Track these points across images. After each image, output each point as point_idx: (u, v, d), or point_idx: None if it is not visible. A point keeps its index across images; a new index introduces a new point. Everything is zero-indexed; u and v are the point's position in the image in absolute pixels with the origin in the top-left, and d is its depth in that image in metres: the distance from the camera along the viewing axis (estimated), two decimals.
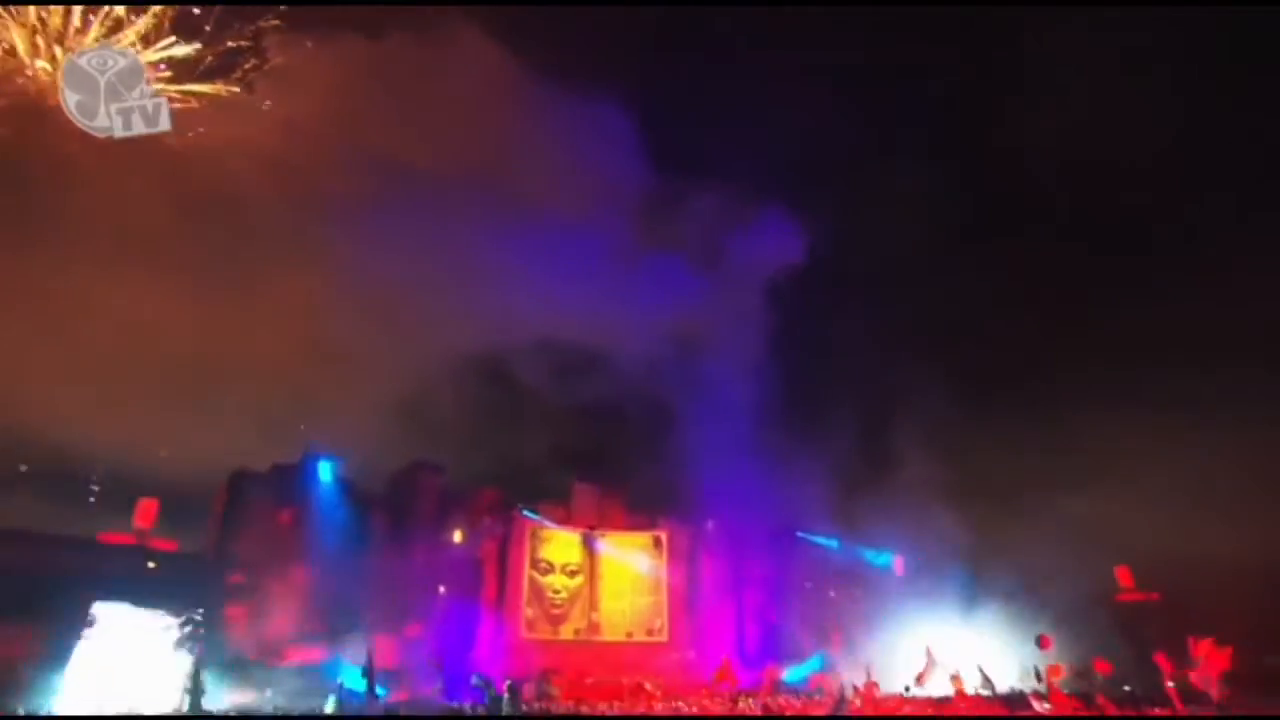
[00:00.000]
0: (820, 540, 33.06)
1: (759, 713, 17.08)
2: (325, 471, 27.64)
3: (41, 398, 25.69)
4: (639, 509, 33.24)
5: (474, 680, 21.88)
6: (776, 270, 38.95)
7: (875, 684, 20.43)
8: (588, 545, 31.45)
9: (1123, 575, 27.94)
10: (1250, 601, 22.43)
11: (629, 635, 30.25)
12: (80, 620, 21.41)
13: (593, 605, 30.48)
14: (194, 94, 24.31)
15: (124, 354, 27.03)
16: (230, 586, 24.71)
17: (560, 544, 31.24)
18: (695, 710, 19.21)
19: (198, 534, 26.80)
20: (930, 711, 15.32)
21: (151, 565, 23.84)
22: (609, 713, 18.85)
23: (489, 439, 34.41)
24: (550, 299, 35.11)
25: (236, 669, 23.11)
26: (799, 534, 33.09)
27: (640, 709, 20.06)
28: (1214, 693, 13.20)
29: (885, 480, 31.04)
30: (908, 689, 18.55)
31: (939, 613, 28.04)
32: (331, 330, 31.57)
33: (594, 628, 30.12)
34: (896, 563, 31.78)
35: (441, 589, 28.88)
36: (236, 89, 25.93)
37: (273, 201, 30.00)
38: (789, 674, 27.67)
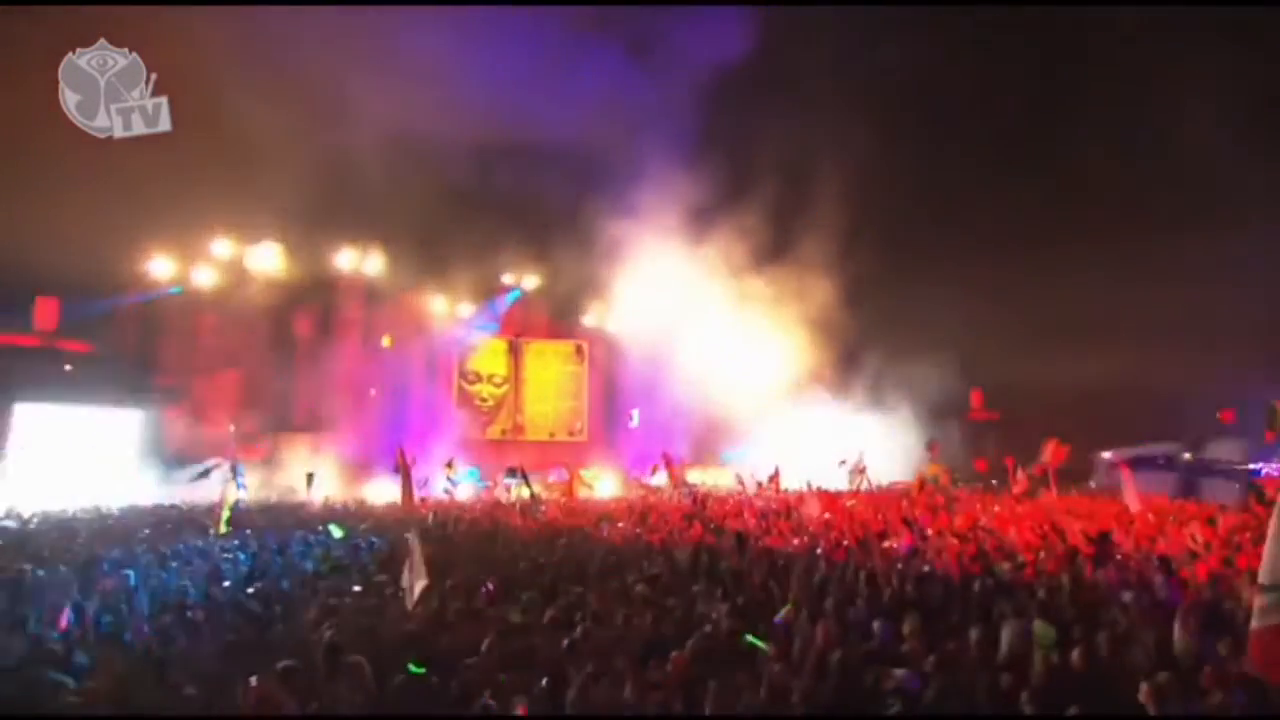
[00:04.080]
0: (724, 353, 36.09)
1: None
2: (253, 272, 26.66)
3: None
4: (561, 317, 34.68)
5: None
6: (716, 65, 37.83)
7: (778, 476, 23.87)
8: (513, 352, 32.92)
9: (975, 397, 33.27)
10: (1063, 420, 28.00)
11: (551, 435, 33.05)
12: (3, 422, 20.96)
13: (518, 408, 32.74)
14: None
15: None
16: (161, 388, 24.43)
17: (487, 354, 32.54)
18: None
19: (106, 336, 25.46)
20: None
21: (68, 368, 22.98)
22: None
23: (409, 240, 33.35)
24: (474, 83, 32.74)
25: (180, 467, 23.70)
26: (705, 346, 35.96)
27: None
28: (1053, 481, 16.88)
29: (794, 297, 33.67)
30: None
31: (827, 418, 32.21)
32: (232, 109, 28.22)
33: (519, 428, 32.62)
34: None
35: (372, 390, 29.79)
36: None
37: None
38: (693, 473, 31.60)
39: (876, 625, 5.31)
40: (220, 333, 26.14)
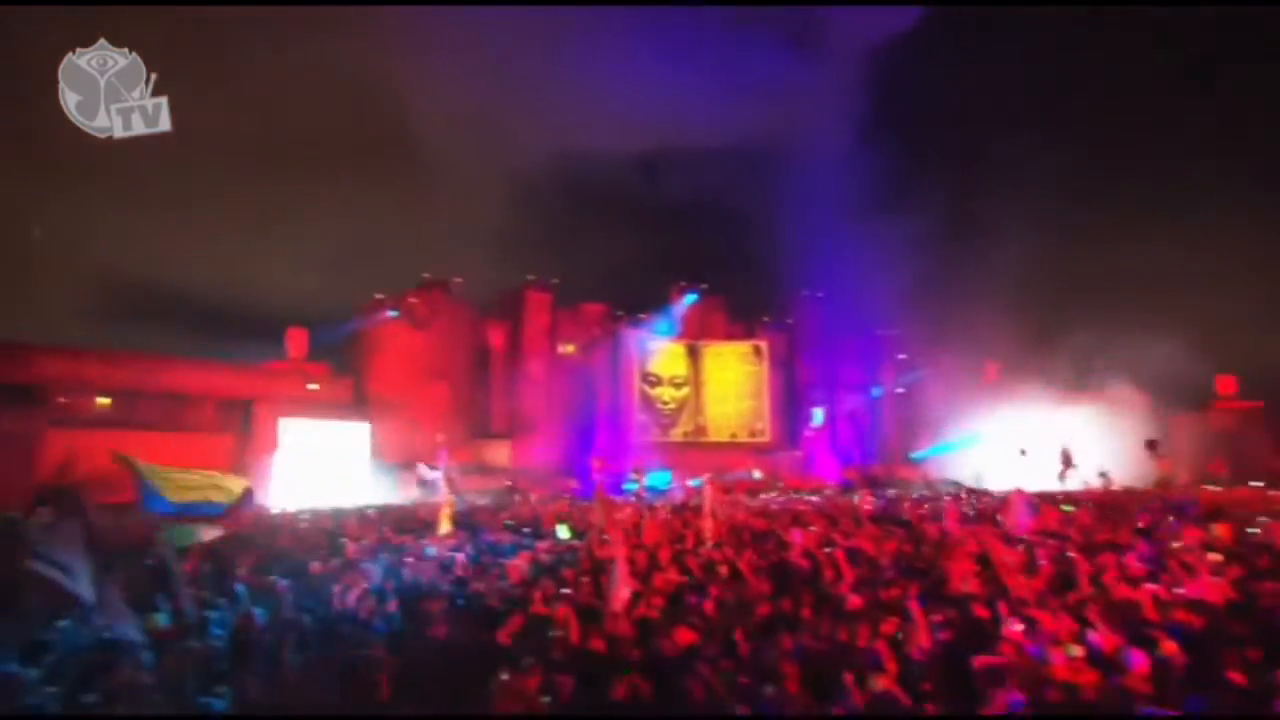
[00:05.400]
0: (913, 345, 33.98)
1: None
2: (451, 295, 29.63)
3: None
4: (738, 317, 34.70)
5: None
6: (882, 39, 35.93)
7: (979, 476, 21.98)
8: (692, 355, 33.43)
9: (1224, 384, 28.25)
10: None
11: (733, 436, 33.12)
12: (271, 434, 24.83)
13: (699, 410, 33.18)
14: None
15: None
16: (381, 402, 27.69)
17: (666, 356, 33.27)
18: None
19: (340, 358, 29.16)
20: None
21: (314, 387, 26.68)
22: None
23: (587, 251, 34.84)
24: (638, 91, 33.74)
25: (398, 472, 26.69)
26: (891, 339, 34.06)
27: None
28: None
29: (983, 275, 30.72)
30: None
31: (1033, 412, 28.98)
32: (426, 140, 31.40)
33: (701, 430, 33.04)
34: (990, 365, 32.70)
35: (560, 398, 31.60)
36: None
37: None
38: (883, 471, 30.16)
39: (1123, 653, 4.74)
40: (429, 350, 29.14)
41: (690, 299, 33.39)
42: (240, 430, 24.84)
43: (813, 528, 12.91)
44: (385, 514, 14.64)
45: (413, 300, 29.12)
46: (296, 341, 27.18)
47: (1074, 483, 17.50)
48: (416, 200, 30.98)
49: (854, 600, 6.41)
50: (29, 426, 19.99)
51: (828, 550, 9.00)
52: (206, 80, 27.77)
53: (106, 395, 22.54)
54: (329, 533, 10.77)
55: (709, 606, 6.64)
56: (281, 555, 8.61)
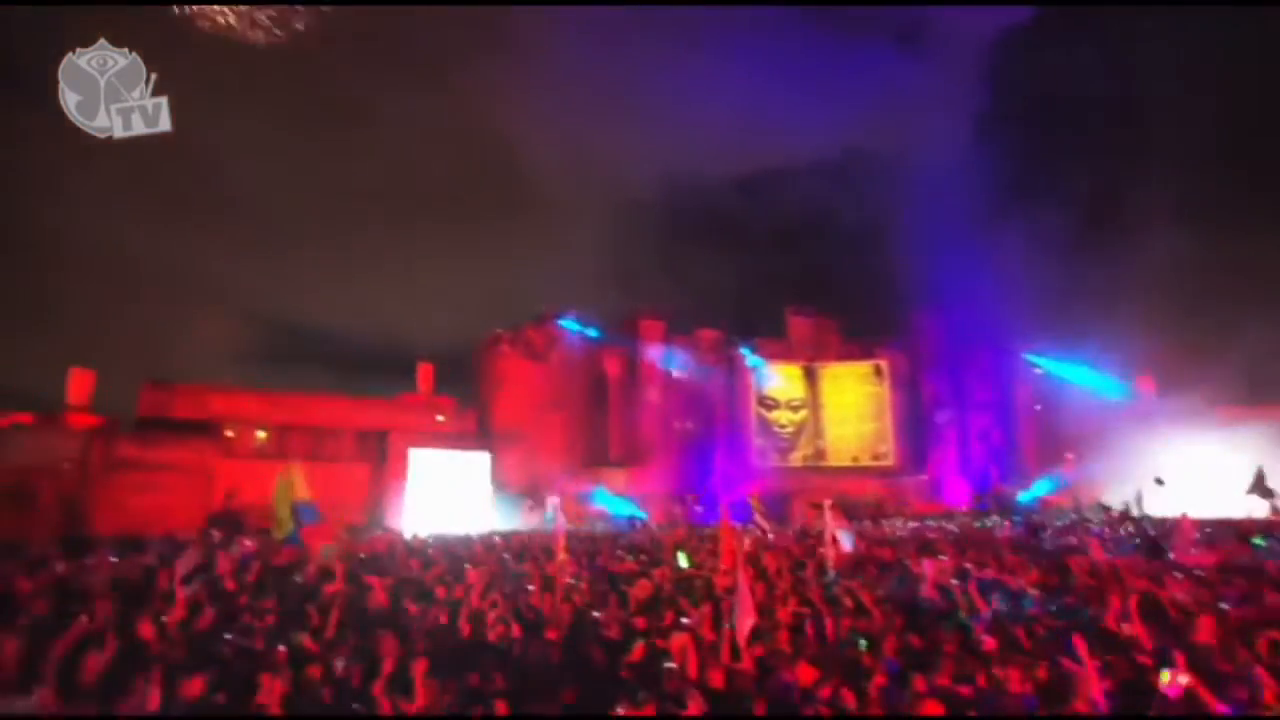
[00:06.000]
0: (1051, 360, 31.39)
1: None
2: (567, 327, 30.51)
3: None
4: (855, 337, 33.57)
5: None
6: (994, 34, 34.22)
7: (1139, 500, 19.74)
8: (809, 378, 32.57)
9: None
10: None
11: (855, 460, 31.84)
12: (403, 463, 26.38)
13: (818, 434, 32.21)
14: None
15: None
16: (503, 433, 28.75)
17: (783, 379, 32.62)
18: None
19: (465, 391, 30.64)
20: None
21: (441, 419, 28.13)
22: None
23: (699, 277, 34.89)
24: (741, 112, 33.81)
25: (520, 500, 27.53)
26: (1025, 353, 31.64)
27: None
28: None
29: (1127, 284, 27.96)
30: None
31: (1191, 433, 25.97)
32: (533, 175, 32.83)
33: (821, 454, 32.03)
34: (1141, 380, 29.68)
35: (677, 425, 31.64)
36: None
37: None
38: (1021, 495, 27.92)
39: None
40: (547, 382, 30.05)
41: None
42: (376, 460, 26.55)
43: (943, 557, 12.09)
44: (507, 541, 15.06)
45: (530, 333, 30.21)
46: (425, 376, 28.83)
47: (1257, 512, 15.27)
48: (532, 237, 32.43)
49: (989, 641, 5.89)
50: (206, 458, 22.51)
51: (958, 583, 8.38)
52: (348, 144, 30.67)
53: (264, 430, 24.88)
54: (455, 559, 11.18)
55: (831, 640, 6.33)
56: (410, 580, 9.00)
